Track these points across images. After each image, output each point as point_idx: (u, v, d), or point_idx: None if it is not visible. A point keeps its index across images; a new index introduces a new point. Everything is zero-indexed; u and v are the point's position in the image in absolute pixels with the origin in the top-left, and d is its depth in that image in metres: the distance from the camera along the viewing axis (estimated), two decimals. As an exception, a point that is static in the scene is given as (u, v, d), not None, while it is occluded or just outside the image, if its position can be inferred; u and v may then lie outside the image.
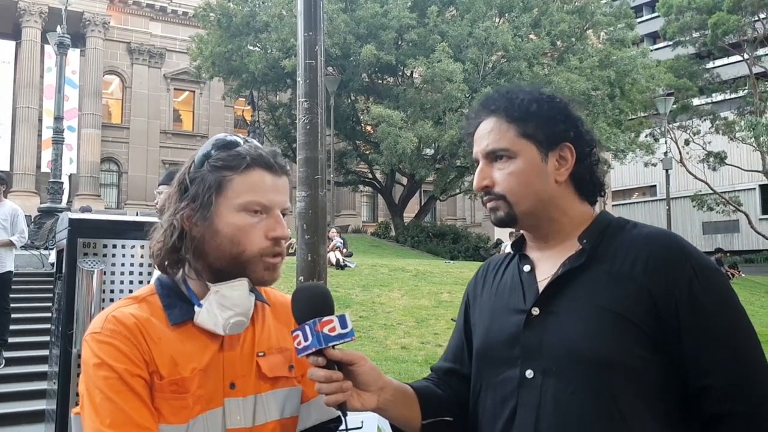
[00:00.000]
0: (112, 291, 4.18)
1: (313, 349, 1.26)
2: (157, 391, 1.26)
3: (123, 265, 4.23)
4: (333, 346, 1.28)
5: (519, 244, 1.47)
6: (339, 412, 1.28)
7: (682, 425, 1.24)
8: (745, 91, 36.29)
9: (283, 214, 1.39)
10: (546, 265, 1.38)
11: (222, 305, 1.33)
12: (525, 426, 1.28)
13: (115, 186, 32.60)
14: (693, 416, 1.23)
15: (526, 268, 1.41)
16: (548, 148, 1.35)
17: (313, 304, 1.31)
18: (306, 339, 1.27)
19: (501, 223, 1.39)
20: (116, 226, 4.29)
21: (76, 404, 1.31)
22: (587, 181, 1.39)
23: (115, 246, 4.25)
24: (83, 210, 14.40)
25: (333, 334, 1.27)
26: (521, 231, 1.47)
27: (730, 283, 1.28)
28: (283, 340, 1.46)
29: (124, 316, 1.30)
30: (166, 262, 1.36)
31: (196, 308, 1.34)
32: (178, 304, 1.36)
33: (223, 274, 1.35)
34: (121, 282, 4.22)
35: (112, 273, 4.23)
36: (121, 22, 32.26)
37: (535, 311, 1.32)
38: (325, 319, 1.27)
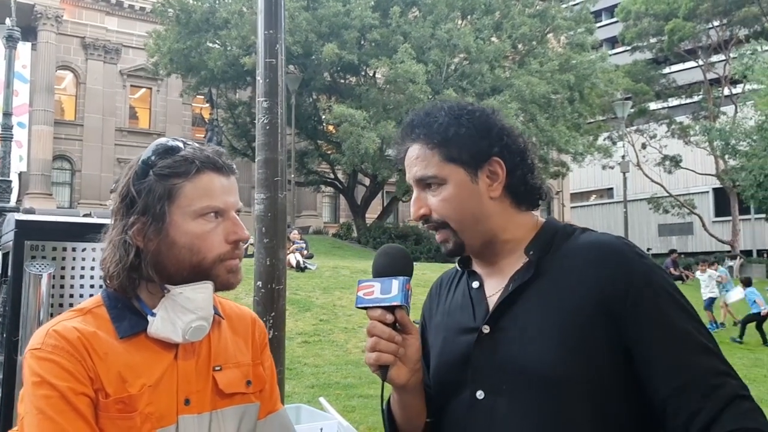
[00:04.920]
0: (61, 296, 4.00)
1: (395, 303, 1.24)
2: (101, 410, 1.19)
3: (74, 269, 4.06)
4: (407, 309, 1.27)
5: (466, 261, 1.43)
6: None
7: None
8: (700, 97, 37.31)
9: (237, 213, 1.34)
10: (494, 281, 1.35)
11: (184, 308, 1.27)
12: None
13: (68, 185, 31.80)
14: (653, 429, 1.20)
15: (475, 284, 1.37)
16: (476, 168, 1.32)
17: (404, 263, 1.31)
18: (387, 292, 1.25)
19: (452, 254, 1.37)
20: (67, 228, 4.10)
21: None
22: (522, 191, 1.35)
23: (65, 249, 4.07)
24: (26, 212, 14.00)
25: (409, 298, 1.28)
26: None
27: (676, 285, 1.25)
28: (240, 354, 1.41)
29: (67, 330, 1.22)
30: (127, 283, 1.28)
31: (150, 318, 1.26)
32: (127, 316, 1.28)
33: (185, 283, 1.28)
34: (72, 286, 4.04)
35: (62, 277, 4.05)
36: (75, 15, 31.50)
37: (486, 329, 1.28)
38: (410, 282, 1.27)
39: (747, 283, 14.00)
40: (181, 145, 1.32)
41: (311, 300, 11.70)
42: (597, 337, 1.19)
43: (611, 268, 1.22)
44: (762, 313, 13.02)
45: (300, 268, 14.25)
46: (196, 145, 1.35)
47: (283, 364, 3.38)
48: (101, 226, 1.38)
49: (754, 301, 13.11)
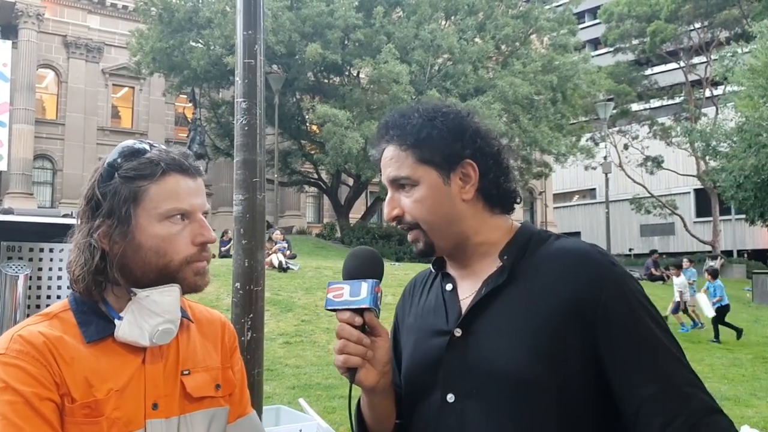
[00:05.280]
0: (38, 297, 3.97)
1: (364, 306, 1.24)
2: (67, 415, 1.18)
3: (51, 269, 4.02)
4: (376, 312, 1.27)
5: (440, 263, 1.43)
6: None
7: None
8: (681, 98, 37.64)
9: (204, 215, 1.34)
10: (467, 284, 1.35)
11: (151, 311, 1.26)
12: None
13: (49, 184, 31.48)
14: None
15: (449, 287, 1.37)
16: (448, 170, 1.32)
17: (374, 265, 1.30)
18: (357, 294, 1.25)
19: (423, 255, 1.36)
20: (44, 229, 4.06)
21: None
22: (495, 194, 1.35)
23: (42, 250, 4.03)
24: (4, 212, 13.85)
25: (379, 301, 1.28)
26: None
27: (647, 296, 1.26)
28: (209, 358, 1.40)
29: (32, 335, 1.21)
30: (93, 287, 1.27)
31: (117, 321, 1.26)
32: (94, 321, 1.27)
33: (152, 286, 1.28)
34: (49, 287, 4.01)
35: (39, 278, 4.01)
36: (57, 14, 31.20)
37: (458, 332, 1.28)
38: (379, 285, 1.27)
39: (714, 275, 13.83)
40: (147, 147, 1.32)
41: (293, 301, 11.66)
42: (568, 342, 1.19)
43: (584, 275, 1.23)
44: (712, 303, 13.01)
45: (282, 269, 14.19)
46: (163, 147, 1.34)
47: (262, 365, 3.36)
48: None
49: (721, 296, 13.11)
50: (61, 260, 3.99)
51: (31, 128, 29.27)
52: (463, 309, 1.31)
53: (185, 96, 30.20)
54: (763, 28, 21.75)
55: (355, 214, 30.53)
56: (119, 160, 1.28)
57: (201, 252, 1.31)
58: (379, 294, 1.26)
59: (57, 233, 4.08)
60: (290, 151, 28.80)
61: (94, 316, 1.28)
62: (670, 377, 1.16)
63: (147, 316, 1.26)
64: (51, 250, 4.00)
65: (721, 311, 13.07)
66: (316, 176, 30.01)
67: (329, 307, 1.27)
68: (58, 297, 3.89)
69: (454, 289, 1.36)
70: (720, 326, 12.98)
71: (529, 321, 1.22)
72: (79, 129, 31.57)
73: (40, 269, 3.97)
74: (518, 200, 1.40)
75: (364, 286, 1.25)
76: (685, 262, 15.76)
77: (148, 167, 1.27)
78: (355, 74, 26.72)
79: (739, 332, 12.72)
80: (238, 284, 3.23)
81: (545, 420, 1.18)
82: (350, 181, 29.43)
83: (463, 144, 1.32)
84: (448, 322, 1.32)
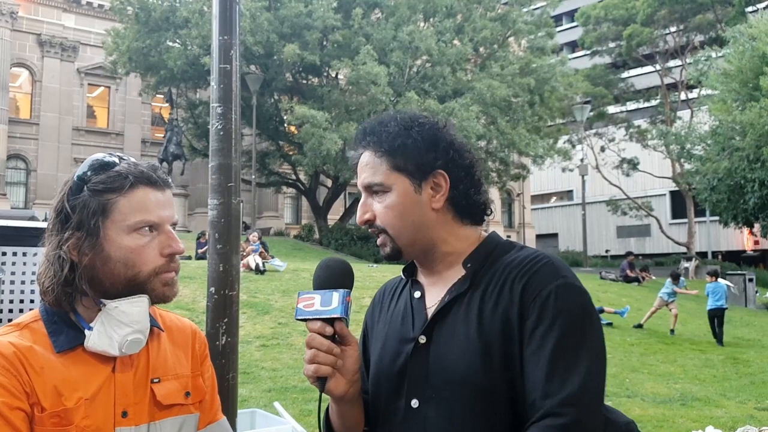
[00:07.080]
0: (11, 301, 3.92)
1: (335, 315, 1.26)
2: (37, 424, 1.20)
3: (24, 273, 3.97)
4: (346, 321, 1.28)
5: (410, 270, 1.47)
6: None
7: None
8: (657, 101, 38.08)
9: (172, 226, 1.36)
10: (435, 291, 1.38)
11: (120, 322, 1.28)
12: None
13: (23, 184, 31.09)
14: None
15: (417, 294, 1.41)
16: (421, 178, 1.35)
17: (345, 276, 1.33)
18: (328, 304, 1.26)
19: (389, 258, 1.40)
20: (15, 233, 4.02)
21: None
22: (464, 205, 1.38)
23: (15, 254, 3.99)
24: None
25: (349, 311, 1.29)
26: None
27: (591, 305, 1.27)
28: (179, 365, 1.42)
29: (2, 345, 1.23)
30: (63, 298, 1.29)
31: (87, 332, 1.28)
32: (64, 330, 1.29)
33: (121, 297, 1.30)
34: (22, 291, 3.96)
35: (12, 282, 3.97)
36: (31, 12, 30.82)
37: (422, 339, 1.32)
38: (350, 295, 1.29)
39: (715, 275, 13.58)
40: (116, 160, 1.34)
41: (270, 303, 11.60)
42: (514, 348, 1.23)
43: (527, 283, 1.26)
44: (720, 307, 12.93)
45: (259, 271, 14.12)
46: (133, 160, 1.37)
47: (236, 369, 3.37)
48: (44, 229, 1.38)
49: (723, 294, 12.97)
50: (34, 264, 3.94)
51: (5, 128, 28.92)
52: (429, 316, 1.34)
53: (162, 96, 29.98)
54: (737, 33, 22.11)
55: (334, 216, 30.50)
56: (88, 173, 1.30)
57: (169, 263, 1.33)
58: (349, 304, 1.28)
59: (27, 237, 4.04)
60: (268, 152, 28.70)
61: (65, 326, 1.29)
62: (549, 391, 1.17)
63: (116, 326, 1.28)
64: (14, 254, 3.95)
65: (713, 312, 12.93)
66: (294, 177, 29.91)
67: (299, 317, 1.29)
68: (21, 302, 3.84)
69: (422, 296, 1.39)
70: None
71: (482, 328, 1.26)
72: (53, 129, 31.21)
73: (13, 273, 3.92)
74: (489, 212, 1.43)
75: (336, 296, 1.27)
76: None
77: (117, 180, 1.29)
78: (333, 75, 26.70)
79: (719, 340, 12.73)
80: (212, 289, 3.22)
81: (500, 424, 1.22)
82: (329, 183, 29.40)
83: (436, 155, 1.35)
84: (414, 329, 1.35)
